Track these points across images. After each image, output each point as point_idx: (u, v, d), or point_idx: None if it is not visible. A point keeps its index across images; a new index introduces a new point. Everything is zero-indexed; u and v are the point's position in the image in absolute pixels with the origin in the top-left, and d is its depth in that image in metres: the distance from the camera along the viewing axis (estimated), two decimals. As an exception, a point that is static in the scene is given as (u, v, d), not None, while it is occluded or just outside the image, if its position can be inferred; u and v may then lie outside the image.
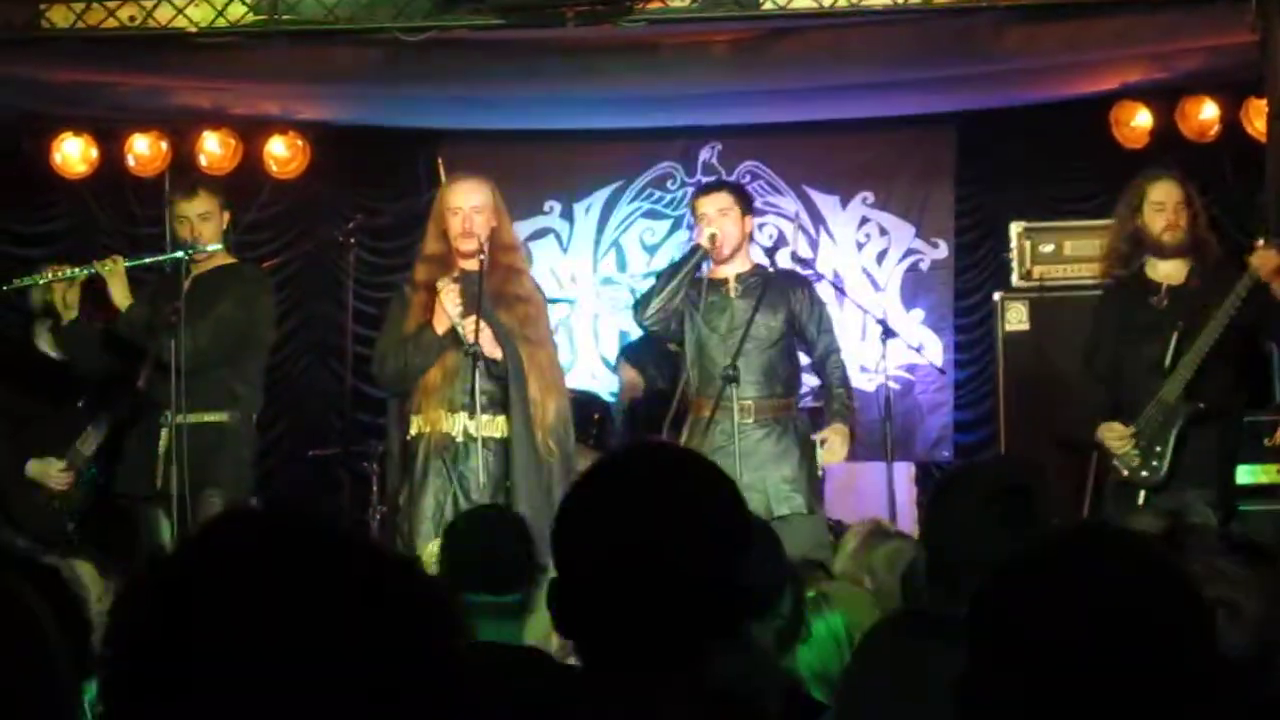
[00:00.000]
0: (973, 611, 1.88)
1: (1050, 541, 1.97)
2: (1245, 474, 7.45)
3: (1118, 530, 2.05)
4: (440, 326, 6.83)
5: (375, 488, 7.91)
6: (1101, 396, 6.98)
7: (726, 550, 2.20)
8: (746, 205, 7.31)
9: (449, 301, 6.80)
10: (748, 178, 10.12)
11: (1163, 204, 6.89)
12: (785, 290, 7.24)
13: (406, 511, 6.85)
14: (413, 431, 6.91)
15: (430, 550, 5.97)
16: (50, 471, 7.53)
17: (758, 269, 7.30)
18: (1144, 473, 6.77)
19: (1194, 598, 1.86)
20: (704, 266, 7.23)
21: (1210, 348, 6.69)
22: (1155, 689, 1.79)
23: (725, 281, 7.21)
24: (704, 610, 2.17)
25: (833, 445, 7.15)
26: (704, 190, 7.51)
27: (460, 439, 6.83)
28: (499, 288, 6.89)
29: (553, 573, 2.25)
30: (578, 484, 2.30)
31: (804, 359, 7.34)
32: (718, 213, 7.16)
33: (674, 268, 7.35)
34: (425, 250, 7.04)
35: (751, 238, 7.39)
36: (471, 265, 6.82)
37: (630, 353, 9.51)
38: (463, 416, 6.85)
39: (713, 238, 7.11)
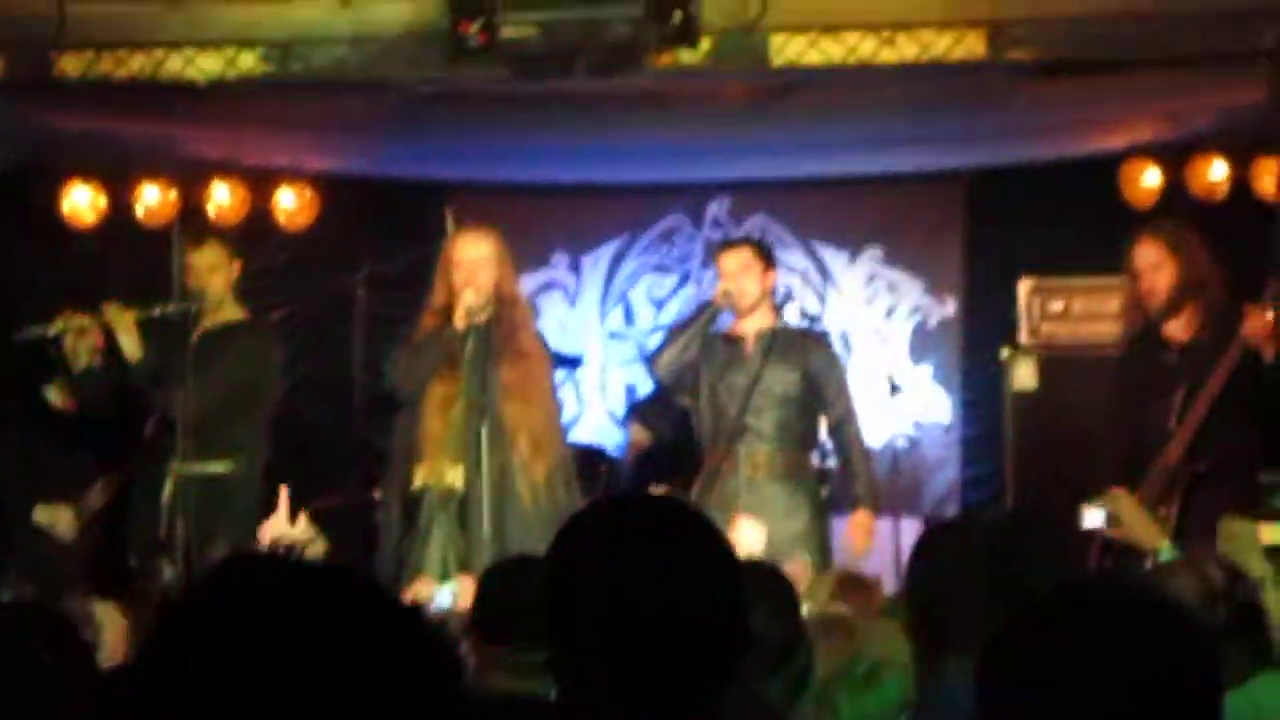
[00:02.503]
0: (983, 670, 1.87)
1: (1061, 600, 1.95)
2: (1266, 533, 7.37)
3: (1129, 590, 2.03)
4: (459, 321, 6.79)
5: (381, 537, 7.88)
6: (1117, 456, 6.94)
7: (720, 590, 2.21)
8: (769, 262, 7.30)
9: (469, 295, 6.77)
10: (757, 233, 10.10)
11: (1141, 270, 6.91)
12: (805, 348, 7.23)
13: (410, 561, 6.83)
14: (417, 482, 6.90)
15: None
16: (59, 519, 7.50)
17: (778, 326, 7.27)
18: (1152, 533, 6.73)
19: (1204, 657, 1.85)
20: (723, 322, 7.20)
21: (1212, 407, 6.66)
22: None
23: (743, 338, 7.19)
24: (702, 653, 2.17)
25: (857, 543, 7.08)
26: (726, 246, 7.52)
27: (464, 490, 6.82)
28: (500, 342, 6.89)
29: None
30: (565, 537, 2.30)
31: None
32: (740, 269, 7.15)
33: (686, 321, 7.34)
34: (433, 302, 7.07)
35: (774, 294, 7.36)
36: (478, 318, 6.84)
37: (640, 411, 9.48)
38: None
39: (726, 294, 7.10)
